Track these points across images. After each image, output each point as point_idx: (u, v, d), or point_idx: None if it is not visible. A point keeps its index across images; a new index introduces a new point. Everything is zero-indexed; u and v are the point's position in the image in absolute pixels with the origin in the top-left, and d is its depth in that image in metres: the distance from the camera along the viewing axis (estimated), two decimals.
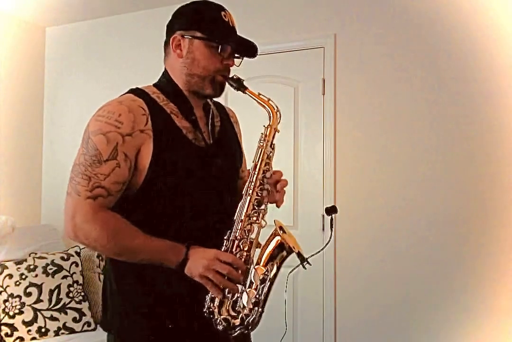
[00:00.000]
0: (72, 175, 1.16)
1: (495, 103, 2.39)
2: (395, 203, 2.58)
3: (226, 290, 1.15)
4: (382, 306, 2.57)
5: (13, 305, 2.48)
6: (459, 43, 2.47)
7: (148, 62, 3.20)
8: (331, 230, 1.30)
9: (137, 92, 1.25)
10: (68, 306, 2.58)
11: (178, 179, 1.20)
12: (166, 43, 1.30)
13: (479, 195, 2.41)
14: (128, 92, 1.26)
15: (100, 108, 1.19)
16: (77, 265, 2.72)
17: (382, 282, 2.58)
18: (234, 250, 1.18)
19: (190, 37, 1.24)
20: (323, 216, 2.74)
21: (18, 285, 2.53)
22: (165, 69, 1.32)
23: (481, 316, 2.36)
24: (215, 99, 1.39)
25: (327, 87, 2.76)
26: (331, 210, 1.29)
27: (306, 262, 1.19)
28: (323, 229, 2.74)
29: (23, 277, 2.55)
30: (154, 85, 1.31)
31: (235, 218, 1.20)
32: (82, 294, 2.65)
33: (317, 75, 2.80)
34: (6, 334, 2.43)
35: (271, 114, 1.26)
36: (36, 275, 2.58)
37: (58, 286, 2.59)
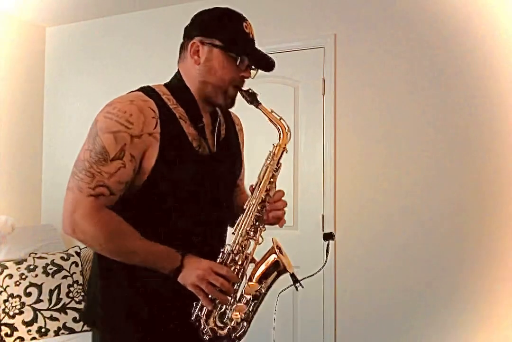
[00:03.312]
0: (74, 170, 1.14)
1: (498, 104, 2.39)
2: (396, 203, 2.58)
3: (217, 301, 1.15)
4: (382, 306, 2.57)
5: (13, 305, 2.48)
6: (460, 43, 2.47)
7: (148, 62, 3.21)
8: (327, 254, 1.31)
9: (148, 91, 1.23)
10: (68, 306, 2.58)
11: (177, 184, 1.20)
12: (183, 47, 1.28)
13: (480, 196, 2.41)
14: (139, 90, 1.24)
15: (110, 104, 1.17)
16: (77, 265, 2.72)
17: (382, 282, 2.58)
18: (229, 263, 1.19)
19: (210, 44, 1.22)
20: (323, 216, 2.74)
21: (18, 285, 2.53)
22: (178, 71, 1.30)
23: (483, 315, 2.36)
24: None
25: (327, 87, 2.76)
26: (328, 237, 1.31)
27: (299, 284, 1.20)
28: (323, 229, 2.73)
29: (23, 277, 2.56)
30: (165, 85, 1.28)
31: (234, 232, 1.21)
32: (82, 294, 2.65)
33: (317, 75, 2.80)
34: (6, 334, 2.43)
35: (282, 134, 1.26)
36: (36, 275, 2.58)
37: (58, 286, 2.59)
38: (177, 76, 1.29)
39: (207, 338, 1.15)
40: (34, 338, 2.46)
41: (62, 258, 2.70)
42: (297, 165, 2.84)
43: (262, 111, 1.25)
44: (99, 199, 1.13)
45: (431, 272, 2.48)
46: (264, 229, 1.24)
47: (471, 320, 2.38)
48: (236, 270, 1.18)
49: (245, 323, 1.17)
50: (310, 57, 2.82)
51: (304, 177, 2.82)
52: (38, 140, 3.57)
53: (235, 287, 1.17)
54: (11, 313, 2.47)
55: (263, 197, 1.23)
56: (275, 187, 1.27)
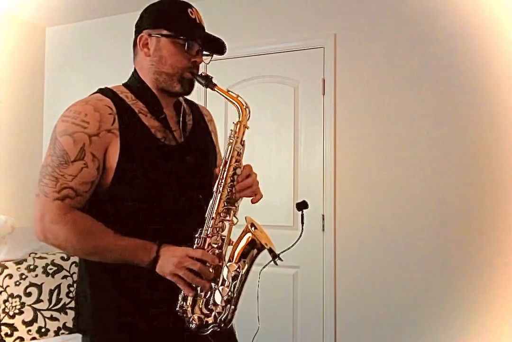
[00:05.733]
0: (40, 176, 1.15)
1: (498, 102, 2.39)
2: (395, 203, 2.58)
3: (198, 288, 1.15)
4: (382, 306, 2.57)
5: (13, 305, 2.48)
6: (460, 43, 2.47)
7: None
8: (302, 225, 1.29)
9: (105, 91, 1.25)
10: (68, 306, 2.58)
11: (146, 178, 1.19)
12: (135, 43, 1.30)
13: (480, 194, 2.41)
14: (96, 92, 1.26)
15: (67, 108, 1.19)
16: (77, 265, 2.72)
17: (382, 281, 2.58)
18: (205, 247, 1.18)
19: (156, 35, 1.24)
20: (323, 216, 2.74)
21: (18, 285, 2.53)
22: (134, 68, 1.32)
23: (482, 315, 2.36)
24: (187, 97, 1.38)
25: (327, 87, 2.76)
26: (301, 205, 1.29)
27: (278, 258, 1.18)
28: (323, 229, 2.74)
29: (23, 277, 2.55)
30: (124, 84, 1.31)
31: (206, 216, 1.20)
32: None
33: (317, 75, 2.80)
34: (6, 334, 2.43)
35: (240, 111, 1.25)
36: (36, 275, 2.58)
37: (58, 286, 2.59)
38: (133, 73, 1.32)
39: (193, 326, 1.15)
40: (34, 338, 2.45)
41: (62, 258, 2.70)
42: (297, 165, 2.84)
43: (218, 92, 1.24)
44: (66, 202, 1.13)
45: (431, 271, 2.48)
46: (237, 209, 1.23)
47: (472, 319, 2.38)
48: (215, 254, 1.18)
49: (230, 306, 1.15)
50: (310, 57, 2.82)
51: (304, 176, 2.82)
52: (38, 140, 3.57)
53: (213, 270, 1.15)
54: (11, 313, 2.47)
55: (231, 176, 1.22)
56: (242, 165, 1.25)
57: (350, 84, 2.72)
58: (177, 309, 1.16)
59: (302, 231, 1.27)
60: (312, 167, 2.80)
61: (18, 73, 3.43)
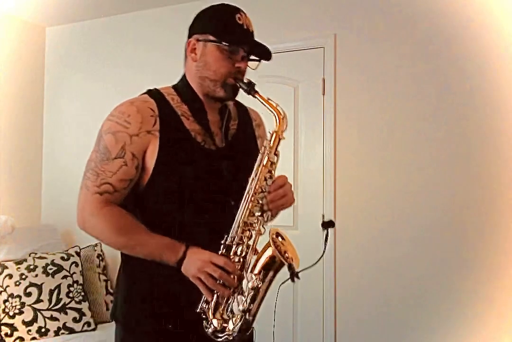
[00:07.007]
0: (85, 170, 1.23)
1: (499, 103, 2.39)
2: (395, 203, 2.58)
3: (219, 294, 1.16)
4: (382, 306, 2.57)
5: (13, 305, 2.49)
6: (460, 42, 2.47)
7: (148, 62, 3.21)
8: (325, 244, 1.29)
9: (153, 93, 1.29)
10: (68, 306, 2.58)
11: (181, 179, 1.21)
12: (186, 47, 1.32)
13: (479, 198, 2.40)
14: (145, 92, 1.30)
15: (114, 108, 1.25)
16: (77, 265, 2.72)
17: (382, 281, 2.58)
18: (231, 255, 1.18)
19: (203, 40, 1.26)
20: (323, 215, 2.74)
21: (18, 285, 2.53)
22: (184, 72, 1.35)
23: (481, 315, 2.36)
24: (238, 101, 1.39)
25: (327, 87, 2.76)
26: (328, 224, 1.29)
27: (296, 277, 1.17)
28: (323, 229, 2.73)
29: (23, 277, 2.56)
30: (173, 86, 1.34)
31: (234, 223, 1.20)
32: (82, 294, 2.66)
33: (317, 75, 2.80)
34: (6, 334, 2.43)
35: (278, 120, 1.26)
36: (36, 275, 2.58)
37: (58, 286, 2.59)
38: (182, 77, 1.35)
39: (210, 330, 1.16)
40: (34, 338, 2.46)
41: (62, 258, 2.70)
42: (297, 165, 2.84)
43: (259, 99, 1.25)
44: (104, 196, 1.20)
45: (431, 271, 2.48)
46: (264, 219, 1.22)
47: (472, 319, 2.38)
48: (240, 262, 1.18)
49: (247, 316, 1.15)
50: (310, 57, 2.82)
51: (304, 177, 2.82)
52: (38, 141, 3.57)
53: (236, 278, 1.16)
54: (11, 313, 2.47)
55: (263, 186, 1.22)
56: (274, 176, 1.25)
57: (350, 84, 2.71)
58: (198, 310, 1.17)
59: (324, 248, 1.28)
60: (312, 167, 2.80)
61: (18, 73, 3.43)
